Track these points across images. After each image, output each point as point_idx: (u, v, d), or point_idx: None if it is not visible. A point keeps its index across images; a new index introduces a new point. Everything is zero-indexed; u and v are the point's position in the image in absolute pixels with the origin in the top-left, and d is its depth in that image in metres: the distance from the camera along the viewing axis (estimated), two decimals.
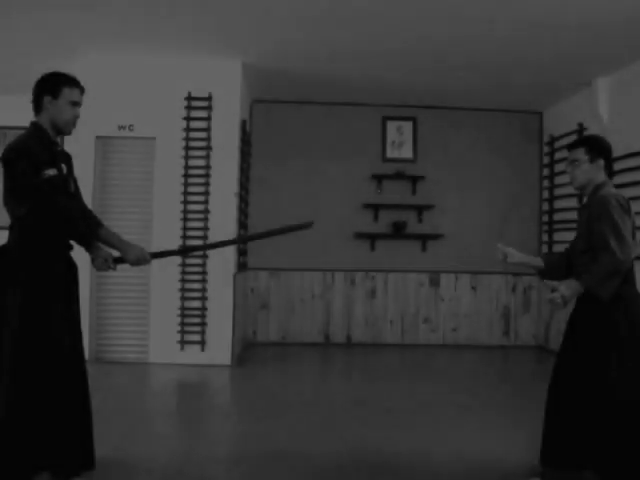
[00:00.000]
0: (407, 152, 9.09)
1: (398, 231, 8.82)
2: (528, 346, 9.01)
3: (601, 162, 3.54)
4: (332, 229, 8.84)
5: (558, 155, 8.63)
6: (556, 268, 3.77)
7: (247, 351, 8.08)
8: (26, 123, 3.38)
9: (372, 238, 8.90)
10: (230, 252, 7.21)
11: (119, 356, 7.14)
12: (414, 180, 8.98)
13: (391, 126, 9.10)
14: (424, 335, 8.94)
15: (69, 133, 3.40)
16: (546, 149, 9.02)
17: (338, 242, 8.87)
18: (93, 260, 3.58)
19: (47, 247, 3.30)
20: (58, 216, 3.25)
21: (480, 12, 5.65)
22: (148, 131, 7.17)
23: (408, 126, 9.11)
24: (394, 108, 9.05)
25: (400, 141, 9.09)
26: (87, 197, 6.92)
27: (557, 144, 8.68)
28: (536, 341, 9.06)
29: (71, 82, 3.39)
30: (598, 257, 3.34)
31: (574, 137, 8.10)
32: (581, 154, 3.56)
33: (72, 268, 3.49)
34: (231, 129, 7.29)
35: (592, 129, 7.76)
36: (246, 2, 5.56)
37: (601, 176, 3.56)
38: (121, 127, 7.14)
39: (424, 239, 8.95)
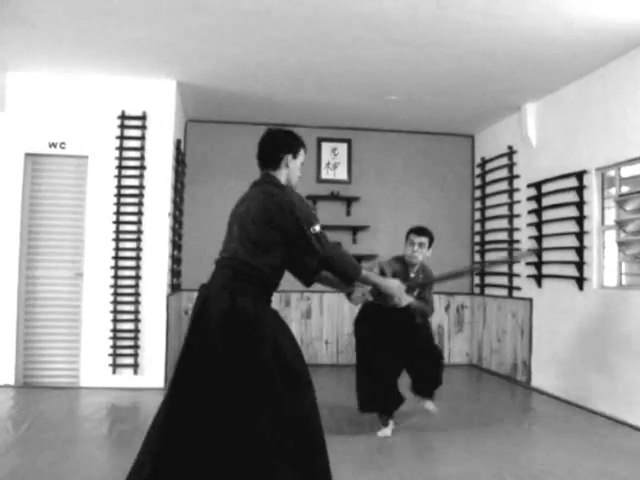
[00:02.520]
0: (342, 173, 9.16)
1: None
2: (462, 365, 9.14)
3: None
4: None
5: (489, 177, 8.83)
6: None
7: None
8: None
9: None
10: (163, 273, 7.11)
11: (48, 380, 6.92)
12: (348, 201, 9.04)
13: (326, 147, 9.15)
14: None
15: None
16: (477, 171, 9.22)
17: None
18: (349, 294, 3.97)
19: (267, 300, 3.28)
20: (339, 264, 3.34)
21: (412, 38, 5.76)
22: (80, 149, 7.03)
23: (343, 148, 9.19)
24: (329, 130, 9.12)
25: (335, 162, 9.15)
26: (15, 216, 6.82)
27: (488, 166, 8.88)
28: (469, 359, 9.21)
29: (304, 144, 3.50)
30: None
31: (505, 159, 8.33)
32: (427, 241, 5.21)
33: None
34: (165, 148, 7.20)
35: (521, 152, 7.98)
36: (181, 22, 5.54)
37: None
38: (52, 145, 6.98)
39: (358, 260, 8.98)
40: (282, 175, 3.39)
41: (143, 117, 7.10)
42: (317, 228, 3.26)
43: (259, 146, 3.50)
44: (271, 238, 3.18)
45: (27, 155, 6.97)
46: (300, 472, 3.00)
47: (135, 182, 7.06)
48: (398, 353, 5.29)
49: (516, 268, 8.02)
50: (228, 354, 3.03)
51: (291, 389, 3.08)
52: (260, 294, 3.19)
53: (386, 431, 5.24)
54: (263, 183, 3.38)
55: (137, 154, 7.07)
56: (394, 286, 3.72)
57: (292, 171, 3.42)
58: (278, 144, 3.43)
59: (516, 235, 8.05)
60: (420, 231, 5.26)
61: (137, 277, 6.99)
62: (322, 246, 3.27)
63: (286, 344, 3.18)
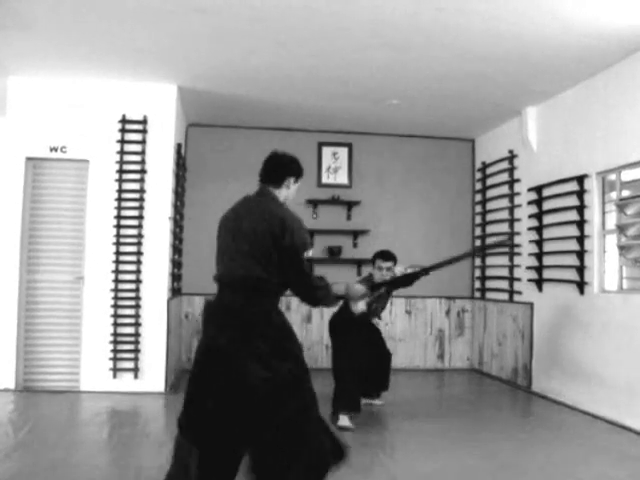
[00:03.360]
0: (342, 178, 9.16)
1: (333, 256, 8.84)
2: (462, 369, 9.13)
3: None
4: None
5: (490, 181, 8.83)
6: None
7: (181, 378, 7.92)
8: None
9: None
10: (163, 277, 7.11)
11: (49, 384, 6.91)
12: (349, 205, 9.04)
13: (327, 152, 9.15)
14: None
15: None
16: (478, 175, 9.22)
17: None
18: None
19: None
20: (311, 290, 3.54)
21: (412, 42, 5.76)
22: (81, 153, 7.03)
23: (343, 152, 9.19)
24: (330, 134, 9.12)
25: (335, 167, 9.15)
26: (15, 220, 6.81)
27: (489, 170, 8.89)
28: (470, 364, 9.20)
29: (302, 174, 3.73)
30: None
31: (505, 163, 8.33)
32: (392, 264, 6.01)
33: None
34: (166, 153, 7.21)
35: (522, 155, 7.98)
36: (182, 26, 5.54)
37: None
38: (53, 149, 6.99)
39: (359, 264, 8.99)
40: (282, 194, 3.59)
41: (144, 121, 7.10)
42: (309, 254, 3.50)
43: (265, 164, 3.68)
44: (275, 256, 3.36)
45: (28, 159, 6.97)
46: (305, 473, 3.15)
47: (136, 186, 7.06)
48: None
49: (517, 272, 8.01)
50: (246, 355, 3.17)
51: (296, 392, 3.21)
52: (273, 303, 3.40)
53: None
54: (264, 200, 3.53)
55: (138, 158, 7.08)
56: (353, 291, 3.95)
57: (291, 193, 3.64)
58: (285, 166, 3.66)
59: (517, 239, 8.05)
60: (386, 256, 6.04)
61: (138, 281, 6.99)
62: (310, 270, 3.52)
63: (297, 349, 3.36)
